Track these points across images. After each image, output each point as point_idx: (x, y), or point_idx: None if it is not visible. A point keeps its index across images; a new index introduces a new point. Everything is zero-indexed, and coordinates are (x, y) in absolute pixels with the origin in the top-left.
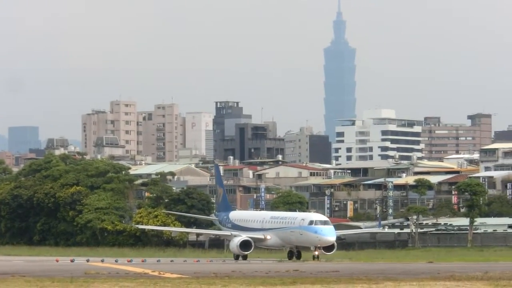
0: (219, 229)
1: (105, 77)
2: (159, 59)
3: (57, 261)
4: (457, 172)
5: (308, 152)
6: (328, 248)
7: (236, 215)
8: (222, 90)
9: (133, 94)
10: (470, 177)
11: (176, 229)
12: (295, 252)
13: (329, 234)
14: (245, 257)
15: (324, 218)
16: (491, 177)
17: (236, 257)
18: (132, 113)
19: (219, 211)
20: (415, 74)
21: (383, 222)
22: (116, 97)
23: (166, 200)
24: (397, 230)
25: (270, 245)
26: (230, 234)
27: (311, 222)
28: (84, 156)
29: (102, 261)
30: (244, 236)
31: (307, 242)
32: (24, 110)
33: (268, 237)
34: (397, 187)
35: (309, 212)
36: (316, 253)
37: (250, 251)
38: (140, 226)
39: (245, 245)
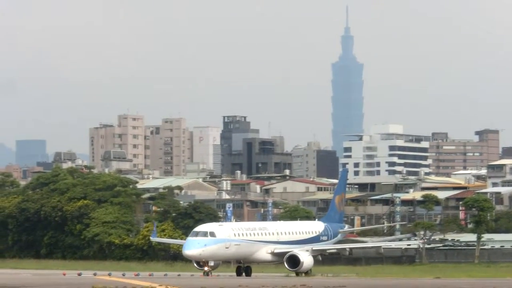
0: None
1: (112, 90)
2: (167, 73)
3: (64, 274)
4: (465, 187)
5: (316, 167)
6: (293, 263)
7: None
8: (229, 104)
9: (141, 108)
10: (477, 192)
11: None
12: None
13: (189, 247)
14: (247, 273)
15: (207, 229)
16: (499, 193)
17: (238, 272)
18: (139, 127)
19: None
20: (422, 89)
21: (390, 238)
22: (124, 111)
23: (173, 214)
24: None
25: None
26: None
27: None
28: (92, 170)
29: (109, 274)
30: None
31: None
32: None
33: None
34: (405, 202)
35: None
36: (205, 268)
37: (207, 268)
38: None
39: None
